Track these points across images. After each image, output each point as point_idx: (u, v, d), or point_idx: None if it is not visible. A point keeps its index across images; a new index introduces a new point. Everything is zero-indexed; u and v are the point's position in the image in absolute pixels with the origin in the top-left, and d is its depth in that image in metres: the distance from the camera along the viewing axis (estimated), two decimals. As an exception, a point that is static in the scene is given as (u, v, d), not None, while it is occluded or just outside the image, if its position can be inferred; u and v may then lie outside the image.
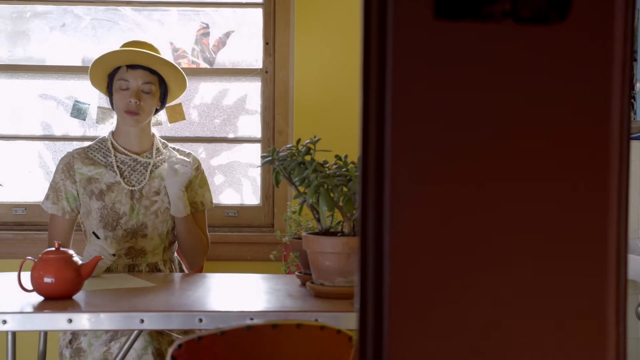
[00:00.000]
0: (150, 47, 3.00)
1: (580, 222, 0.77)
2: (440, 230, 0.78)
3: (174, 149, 3.11)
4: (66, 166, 3.00)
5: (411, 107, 0.78)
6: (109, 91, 3.02)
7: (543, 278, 0.80)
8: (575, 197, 0.77)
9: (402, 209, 0.78)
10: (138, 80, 2.93)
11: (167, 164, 2.91)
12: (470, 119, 0.78)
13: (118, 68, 2.97)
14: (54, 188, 3.01)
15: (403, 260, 0.79)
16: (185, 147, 3.20)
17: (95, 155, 3.01)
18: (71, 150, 3.07)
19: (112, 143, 3.03)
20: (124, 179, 2.98)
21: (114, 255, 2.70)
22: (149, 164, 3.01)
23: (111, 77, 2.99)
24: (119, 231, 2.95)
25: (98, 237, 2.77)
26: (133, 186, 2.97)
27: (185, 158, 2.97)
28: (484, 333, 0.78)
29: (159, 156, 3.05)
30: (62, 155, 3.07)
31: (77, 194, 2.98)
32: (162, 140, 3.12)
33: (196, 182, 3.06)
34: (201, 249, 3.04)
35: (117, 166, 2.99)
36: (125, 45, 3.01)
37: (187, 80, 3.07)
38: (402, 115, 0.78)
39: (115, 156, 3.00)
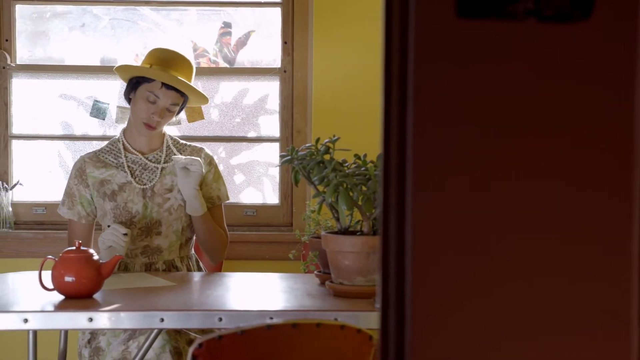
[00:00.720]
0: (188, 64, 3.01)
1: (603, 223, 0.77)
2: (463, 229, 0.78)
3: (185, 144, 3.12)
4: (78, 171, 3.03)
5: (433, 107, 0.78)
6: (131, 87, 3.01)
7: (565, 279, 0.80)
8: (598, 198, 0.77)
9: (424, 208, 0.78)
10: (167, 100, 2.96)
11: (175, 165, 2.91)
12: (492, 118, 0.78)
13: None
14: (68, 193, 3.04)
15: (425, 259, 0.79)
16: (205, 147, 3.20)
17: (106, 158, 3.04)
18: (84, 154, 3.09)
19: (123, 143, 3.05)
20: (134, 178, 3.00)
21: (125, 234, 2.72)
22: (160, 161, 3.03)
23: (139, 78, 2.99)
24: (134, 230, 2.97)
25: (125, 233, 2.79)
26: (144, 185, 2.99)
27: (194, 157, 2.97)
28: (506, 333, 0.78)
29: (169, 154, 3.06)
30: (76, 160, 3.09)
31: (92, 198, 3.01)
32: (173, 137, 3.14)
33: (210, 177, 3.07)
34: (221, 245, 3.05)
35: (128, 166, 3.01)
36: (163, 55, 2.99)
37: (208, 97, 3.12)
38: (424, 114, 0.78)
39: (126, 156, 3.03)
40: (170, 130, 3.26)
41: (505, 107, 0.77)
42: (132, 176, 3.00)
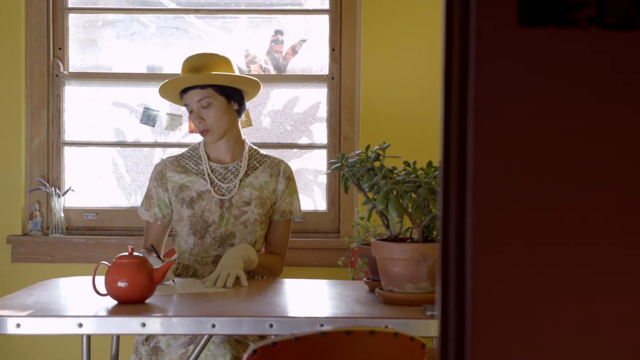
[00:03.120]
0: (210, 58, 3.02)
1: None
2: (525, 238, 0.77)
3: (265, 156, 3.12)
4: (159, 174, 3.05)
5: (494, 116, 0.77)
6: None
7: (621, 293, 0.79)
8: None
9: (484, 217, 0.78)
10: (194, 100, 2.97)
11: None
12: (554, 126, 0.77)
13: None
14: (147, 196, 3.07)
15: (486, 266, 0.78)
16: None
17: (187, 163, 3.05)
18: (165, 157, 3.11)
19: (203, 151, 3.07)
20: (214, 187, 3.01)
21: (173, 282, 2.72)
22: (239, 172, 3.04)
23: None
24: (207, 239, 2.98)
25: (159, 257, 2.79)
26: (223, 195, 3.00)
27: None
28: (569, 343, 0.78)
29: (250, 165, 3.06)
30: (156, 163, 3.13)
31: (169, 201, 3.03)
32: (254, 148, 3.12)
33: (286, 191, 3.07)
34: (275, 274, 3.06)
35: (208, 174, 3.02)
36: (186, 61, 3.04)
37: (251, 77, 3.07)
38: (485, 123, 0.78)
39: (207, 164, 3.04)
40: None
41: (565, 115, 0.77)
42: (211, 185, 3.01)
